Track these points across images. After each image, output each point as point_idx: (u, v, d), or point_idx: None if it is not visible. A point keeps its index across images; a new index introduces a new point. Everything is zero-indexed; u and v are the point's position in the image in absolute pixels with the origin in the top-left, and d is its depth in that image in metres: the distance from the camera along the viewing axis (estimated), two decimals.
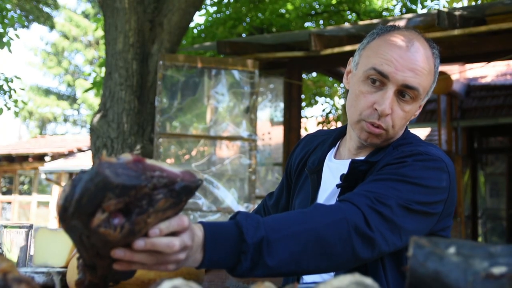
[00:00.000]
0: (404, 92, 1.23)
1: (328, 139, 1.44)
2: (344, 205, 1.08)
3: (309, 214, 1.04)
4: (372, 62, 1.24)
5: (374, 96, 1.23)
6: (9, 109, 6.66)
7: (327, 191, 1.35)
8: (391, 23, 4.89)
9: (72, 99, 24.16)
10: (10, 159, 14.48)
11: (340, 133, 1.44)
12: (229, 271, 0.97)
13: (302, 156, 1.47)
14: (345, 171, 1.29)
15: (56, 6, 14.93)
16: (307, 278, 1.39)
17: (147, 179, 0.80)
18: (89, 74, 11.75)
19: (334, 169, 1.36)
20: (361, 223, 1.05)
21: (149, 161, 0.83)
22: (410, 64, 1.21)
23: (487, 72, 9.10)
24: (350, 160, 1.29)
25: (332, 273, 1.28)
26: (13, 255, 1.30)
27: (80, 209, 0.77)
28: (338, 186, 1.29)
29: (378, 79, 1.23)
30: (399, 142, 1.29)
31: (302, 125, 6.56)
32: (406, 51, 1.22)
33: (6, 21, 6.29)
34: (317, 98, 9.75)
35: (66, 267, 1.32)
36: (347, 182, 1.27)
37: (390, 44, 1.23)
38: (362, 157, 1.32)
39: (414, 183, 1.15)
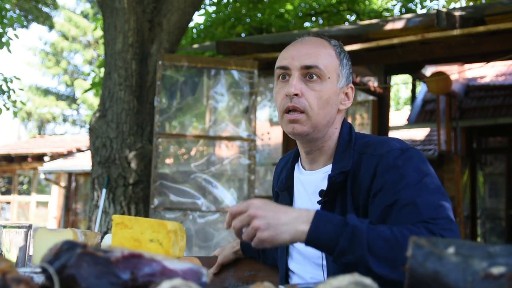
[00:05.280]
0: (308, 73, 1.34)
1: (291, 157, 1.53)
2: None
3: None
4: (277, 64, 1.41)
5: (285, 88, 1.36)
6: (8, 109, 6.65)
7: (302, 206, 1.42)
8: (390, 24, 4.91)
9: (71, 99, 24.14)
10: (9, 159, 14.46)
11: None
12: (328, 250, 1.13)
13: (276, 181, 1.59)
14: (314, 181, 1.38)
15: (55, 6, 14.92)
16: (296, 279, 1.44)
17: (122, 285, 0.73)
18: (89, 74, 11.72)
19: (304, 182, 1.43)
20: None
21: (149, 255, 0.76)
22: (303, 51, 1.37)
23: (486, 72, 9.11)
24: (313, 171, 1.40)
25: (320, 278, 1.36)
26: (12, 255, 1.30)
27: None
28: (319, 202, 1.34)
29: (284, 74, 1.38)
30: (358, 145, 1.35)
31: None
32: (298, 44, 1.40)
33: (5, 21, 6.28)
34: None
35: None
36: (327, 197, 1.33)
37: (287, 47, 1.42)
38: (322, 167, 1.40)
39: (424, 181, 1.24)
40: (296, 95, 1.32)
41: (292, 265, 1.47)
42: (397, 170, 1.23)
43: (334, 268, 1.29)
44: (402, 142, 1.32)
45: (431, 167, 1.28)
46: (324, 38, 1.43)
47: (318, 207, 1.35)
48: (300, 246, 1.43)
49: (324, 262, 1.35)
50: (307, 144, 1.40)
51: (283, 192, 1.48)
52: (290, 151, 1.58)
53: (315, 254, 1.37)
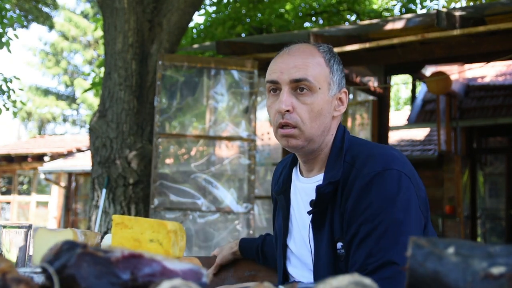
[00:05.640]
0: (298, 87, 1.32)
1: (289, 161, 1.53)
2: None
3: None
4: (266, 78, 1.39)
5: (276, 103, 1.34)
6: (8, 109, 6.65)
7: (298, 212, 1.43)
8: (390, 24, 4.90)
9: (71, 99, 24.13)
10: (9, 159, 14.45)
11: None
12: None
13: (274, 184, 1.58)
14: (308, 190, 1.37)
15: (55, 6, 14.93)
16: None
17: (122, 285, 0.73)
18: (89, 74, 11.73)
19: (300, 189, 1.43)
20: None
21: (149, 255, 0.76)
22: (292, 63, 1.33)
23: (486, 72, 9.11)
24: (309, 179, 1.39)
25: None
26: (12, 255, 1.30)
27: None
28: (309, 212, 1.34)
29: (274, 88, 1.36)
30: (350, 155, 1.32)
31: None
32: (286, 55, 1.36)
33: (5, 21, 6.28)
34: None
35: None
36: (317, 207, 1.32)
37: (275, 58, 1.40)
38: (317, 174, 1.39)
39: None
40: (288, 111, 1.31)
41: (290, 268, 1.47)
42: (365, 197, 1.23)
43: (322, 275, 1.30)
44: (389, 158, 1.27)
45: (408, 187, 1.24)
46: (313, 45, 1.39)
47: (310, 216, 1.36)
48: (296, 251, 1.44)
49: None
50: (304, 155, 1.39)
51: (279, 196, 1.47)
52: (289, 154, 1.57)
53: (308, 260, 1.38)
